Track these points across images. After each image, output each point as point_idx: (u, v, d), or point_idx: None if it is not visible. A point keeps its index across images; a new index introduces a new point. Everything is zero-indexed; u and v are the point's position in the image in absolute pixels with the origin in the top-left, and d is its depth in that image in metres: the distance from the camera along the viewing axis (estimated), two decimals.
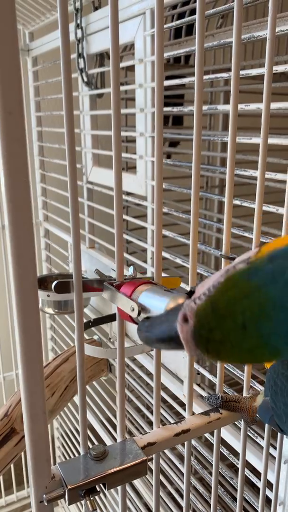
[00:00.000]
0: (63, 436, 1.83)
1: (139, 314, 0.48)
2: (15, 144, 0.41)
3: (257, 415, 0.64)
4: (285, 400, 0.50)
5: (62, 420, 1.80)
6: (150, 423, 1.39)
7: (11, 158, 0.41)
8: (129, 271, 0.57)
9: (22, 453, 1.24)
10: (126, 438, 0.59)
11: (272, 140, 0.65)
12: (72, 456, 1.77)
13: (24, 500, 2.00)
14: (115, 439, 1.37)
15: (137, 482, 1.34)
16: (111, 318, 1.15)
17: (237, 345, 0.36)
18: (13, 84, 0.40)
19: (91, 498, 0.52)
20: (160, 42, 0.50)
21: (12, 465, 1.22)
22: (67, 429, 1.78)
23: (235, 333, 0.36)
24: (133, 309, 0.48)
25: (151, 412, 1.27)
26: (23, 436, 1.18)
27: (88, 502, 0.52)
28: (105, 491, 0.59)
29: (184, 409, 1.09)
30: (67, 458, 1.83)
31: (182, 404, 1.10)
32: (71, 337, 1.56)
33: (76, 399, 1.53)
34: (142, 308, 0.48)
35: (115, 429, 1.40)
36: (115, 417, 1.37)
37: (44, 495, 0.51)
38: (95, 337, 1.37)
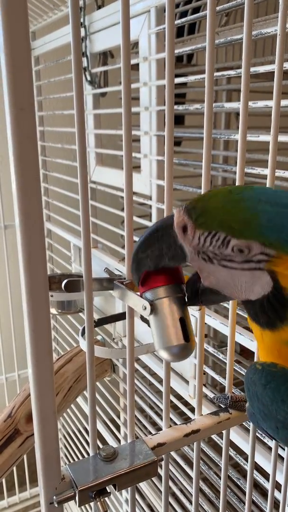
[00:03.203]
0: (66, 437, 1.82)
1: (151, 312, 0.47)
2: (26, 141, 0.40)
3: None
4: (258, 404, 0.49)
5: (64, 421, 1.79)
6: (153, 423, 1.39)
7: (23, 156, 0.40)
8: None
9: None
10: (135, 438, 0.59)
11: (282, 138, 0.64)
12: (75, 457, 1.77)
13: (26, 501, 1.99)
14: (118, 439, 1.36)
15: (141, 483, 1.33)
16: (115, 318, 1.15)
17: (223, 205, 0.45)
18: (24, 80, 0.39)
19: (102, 500, 0.52)
20: (171, 44, 0.49)
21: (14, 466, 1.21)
22: (70, 430, 1.77)
23: (222, 195, 0.45)
24: (145, 308, 0.47)
25: (155, 413, 1.27)
26: (27, 437, 1.18)
27: (98, 503, 0.52)
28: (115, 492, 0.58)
29: (189, 409, 1.09)
30: (70, 459, 1.82)
31: (186, 404, 1.10)
32: (73, 338, 1.56)
33: (79, 400, 1.53)
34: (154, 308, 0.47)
35: (118, 429, 1.40)
36: (118, 418, 1.37)
37: (54, 497, 0.51)
38: (99, 337, 1.36)
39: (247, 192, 0.45)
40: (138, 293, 0.51)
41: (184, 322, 0.48)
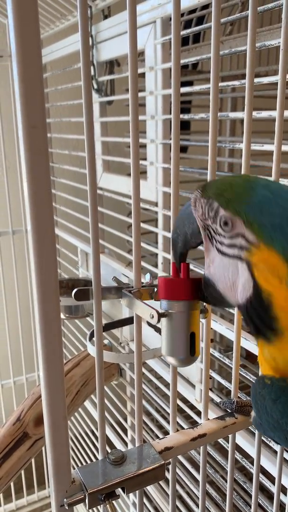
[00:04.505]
0: (72, 440, 1.84)
1: (158, 321, 0.48)
2: (38, 157, 0.42)
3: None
4: (266, 417, 0.50)
5: (71, 424, 1.81)
6: (160, 427, 1.40)
7: (35, 171, 0.42)
8: (145, 278, 0.58)
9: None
10: (143, 442, 0.60)
11: (286, 148, 0.66)
12: (81, 459, 1.78)
13: (34, 504, 2.00)
14: (125, 442, 1.37)
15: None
16: (122, 323, 1.16)
17: (230, 181, 0.47)
18: (37, 98, 0.41)
19: (111, 502, 0.53)
20: (177, 55, 0.51)
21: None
22: (76, 433, 1.78)
23: (239, 177, 0.48)
24: (153, 317, 0.49)
25: (161, 416, 1.28)
26: (35, 441, 1.20)
27: (108, 506, 0.53)
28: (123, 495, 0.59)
29: (195, 412, 1.10)
30: (77, 461, 1.84)
31: (192, 407, 1.11)
32: (81, 342, 1.57)
33: (86, 403, 1.54)
34: (162, 315, 0.49)
35: (124, 432, 1.41)
36: (125, 421, 1.38)
37: (65, 499, 0.52)
38: (106, 342, 1.37)
39: (262, 179, 0.46)
40: (146, 302, 0.52)
41: (193, 338, 0.50)
